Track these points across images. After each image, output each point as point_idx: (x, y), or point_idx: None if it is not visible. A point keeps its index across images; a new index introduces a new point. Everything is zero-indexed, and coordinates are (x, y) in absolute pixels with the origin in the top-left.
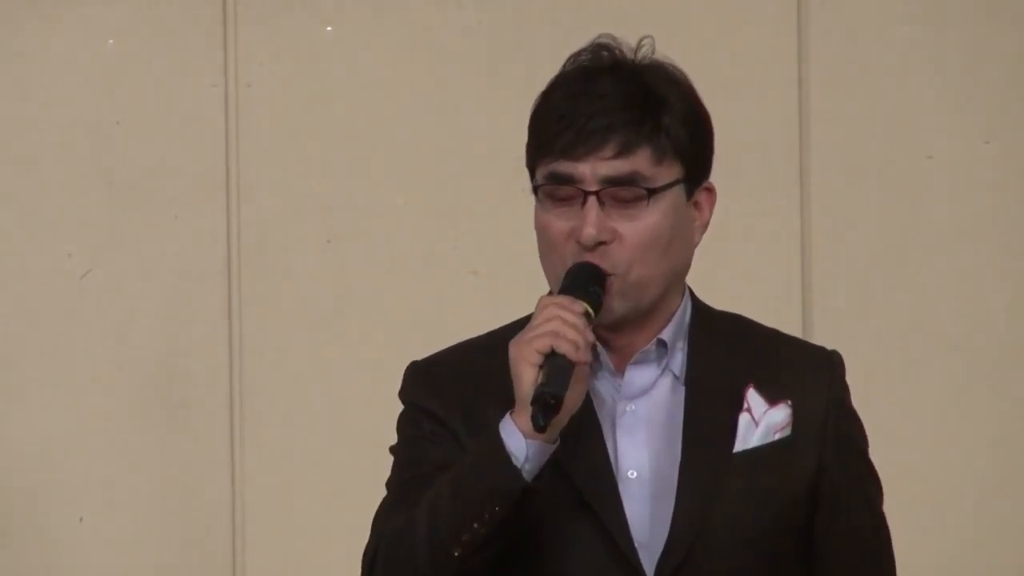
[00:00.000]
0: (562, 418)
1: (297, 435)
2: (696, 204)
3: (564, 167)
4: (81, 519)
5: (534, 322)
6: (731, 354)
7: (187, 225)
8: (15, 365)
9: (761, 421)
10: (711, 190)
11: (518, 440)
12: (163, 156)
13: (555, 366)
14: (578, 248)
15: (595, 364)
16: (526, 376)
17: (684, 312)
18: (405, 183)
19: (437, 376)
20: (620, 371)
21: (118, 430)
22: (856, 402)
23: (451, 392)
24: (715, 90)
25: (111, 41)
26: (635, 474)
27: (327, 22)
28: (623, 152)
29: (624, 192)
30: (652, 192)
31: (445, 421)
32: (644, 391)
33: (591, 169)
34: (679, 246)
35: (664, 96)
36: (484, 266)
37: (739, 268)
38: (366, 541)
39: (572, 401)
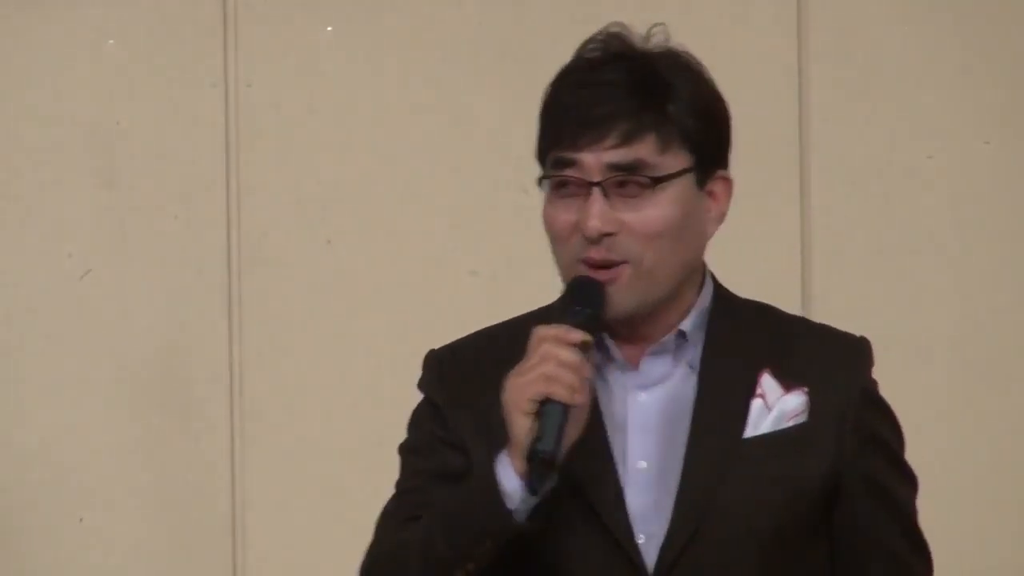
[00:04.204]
0: (564, 449)
1: (297, 435)
2: (711, 194)
3: (567, 155)
4: (81, 519)
5: (528, 361)
6: (749, 341)
7: (187, 225)
8: (15, 365)
9: (774, 407)
10: (727, 179)
11: (513, 481)
12: (163, 156)
13: (550, 416)
14: (583, 241)
15: (603, 358)
16: (519, 424)
17: (704, 302)
18: (405, 183)
19: (451, 365)
20: (634, 363)
21: (118, 430)
22: None
23: (461, 384)
24: None
25: (111, 41)
26: (645, 464)
27: (327, 22)
28: (626, 140)
29: (628, 179)
30: (657, 181)
31: (449, 418)
32: (658, 381)
33: (594, 158)
34: (690, 236)
35: (670, 83)
36: (484, 266)
37: (739, 268)
38: (367, 541)
39: (570, 437)
